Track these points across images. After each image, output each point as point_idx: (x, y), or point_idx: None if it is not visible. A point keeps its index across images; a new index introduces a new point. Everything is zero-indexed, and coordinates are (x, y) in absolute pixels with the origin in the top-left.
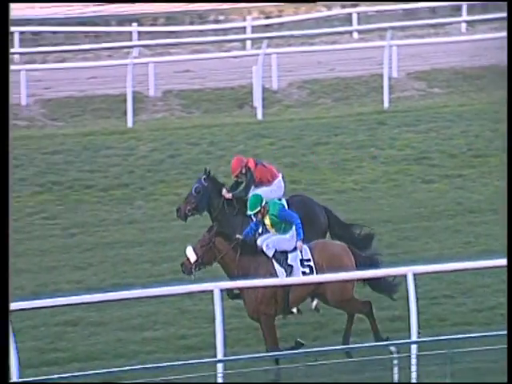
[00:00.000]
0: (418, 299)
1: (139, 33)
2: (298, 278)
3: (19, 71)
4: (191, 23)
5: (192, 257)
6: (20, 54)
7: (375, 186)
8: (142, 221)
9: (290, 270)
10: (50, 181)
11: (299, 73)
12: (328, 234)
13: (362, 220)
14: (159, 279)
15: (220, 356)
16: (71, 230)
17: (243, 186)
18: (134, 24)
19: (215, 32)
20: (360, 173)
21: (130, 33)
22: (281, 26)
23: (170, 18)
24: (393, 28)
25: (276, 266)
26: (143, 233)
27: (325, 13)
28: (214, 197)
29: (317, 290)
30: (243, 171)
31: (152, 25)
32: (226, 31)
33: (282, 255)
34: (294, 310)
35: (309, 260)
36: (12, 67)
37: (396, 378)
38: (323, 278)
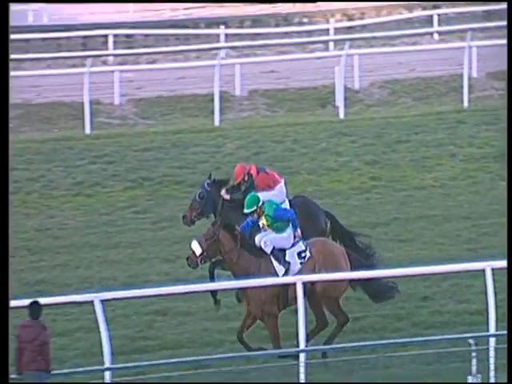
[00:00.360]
0: (496, 293)
1: (226, 35)
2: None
3: (113, 72)
4: (276, 25)
5: (197, 250)
6: (113, 55)
7: (454, 183)
8: None
9: (287, 267)
10: (141, 177)
11: (380, 73)
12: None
13: (441, 216)
14: None
15: (302, 346)
16: (161, 224)
17: (243, 190)
18: (222, 26)
19: (299, 34)
20: (440, 170)
21: (218, 35)
22: (363, 27)
23: (256, 21)
24: (473, 29)
25: (275, 263)
26: None
27: (406, 15)
28: (218, 201)
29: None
30: (245, 178)
31: (239, 27)
32: (309, 33)
33: (280, 253)
34: None
35: (305, 251)
36: (106, 68)
37: (474, 370)
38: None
